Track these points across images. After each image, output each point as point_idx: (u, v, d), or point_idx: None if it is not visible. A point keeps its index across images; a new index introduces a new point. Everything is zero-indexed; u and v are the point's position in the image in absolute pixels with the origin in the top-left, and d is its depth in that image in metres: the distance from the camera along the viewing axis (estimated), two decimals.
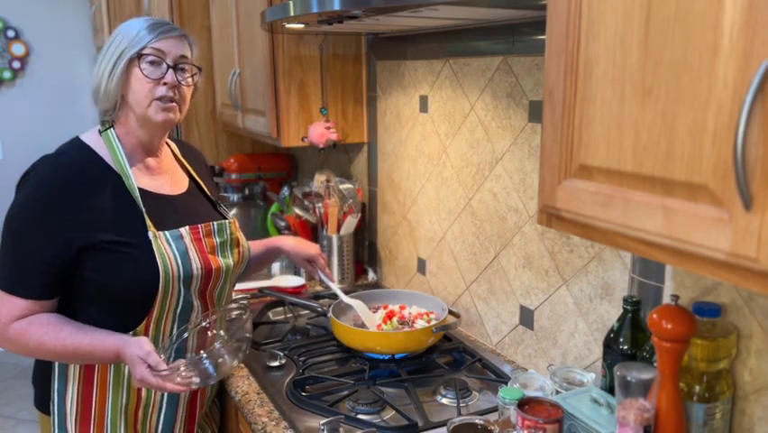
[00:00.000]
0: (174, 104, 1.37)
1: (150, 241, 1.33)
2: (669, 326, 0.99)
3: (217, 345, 1.27)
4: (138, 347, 1.25)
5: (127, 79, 1.34)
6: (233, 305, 1.49)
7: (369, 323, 1.70)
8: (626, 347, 1.19)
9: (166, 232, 1.36)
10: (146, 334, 1.36)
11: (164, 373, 1.23)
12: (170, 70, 1.35)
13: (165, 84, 1.34)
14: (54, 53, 4.24)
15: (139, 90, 1.34)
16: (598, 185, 0.86)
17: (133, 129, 1.39)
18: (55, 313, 1.33)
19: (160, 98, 1.34)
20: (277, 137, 2.14)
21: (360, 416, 1.37)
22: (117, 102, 1.37)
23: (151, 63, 1.34)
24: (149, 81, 1.33)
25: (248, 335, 1.33)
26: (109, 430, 1.41)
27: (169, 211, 1.41)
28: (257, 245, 1.71)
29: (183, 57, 1.38)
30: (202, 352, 1.28)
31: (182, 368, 1.24)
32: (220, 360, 1.28)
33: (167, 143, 1.52)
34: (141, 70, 1.33)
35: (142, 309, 1.35)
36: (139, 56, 1.33)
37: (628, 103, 0.79)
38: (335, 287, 1.76)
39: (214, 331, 1.44)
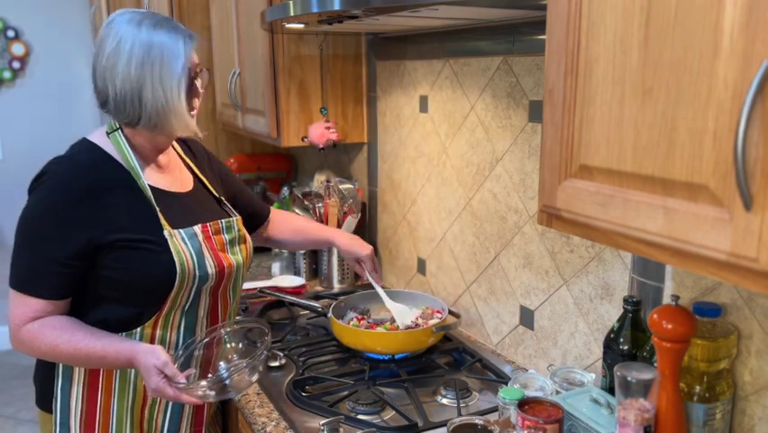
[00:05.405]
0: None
1: (165, 239, 1.32)
2: (669, 326, 0.99)
3: (236, 359, 1.25)
4: (154, 357, 1.24)
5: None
6: (249, 319, 1.47)
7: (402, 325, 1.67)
8: (626, 347, 1.19)
9: (180, 230, 1.36)
10: (155, 327, 1.35)
11: (181, 385, 1.22)
12: (198, 81, 1.36)
13: (200, 96, 1.37)
14: (54, 53, 4.23)
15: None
16: (599, 185, 0.86)
17: (150, 136, 1.36)
18: (67, 316, 1.32)
19: (192, 109, 1.36)
20: (277, 137, 2.14)
21: (360, 416, 1.37)
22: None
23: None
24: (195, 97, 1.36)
25: (266, 353, 1.31)
26: (114, 429, 1.41)
27: (180, 209, 1.40)
28: (309, 228, 1.73)
29: (197, 63, 1.38)
30: (222, 366, 1.26)
31: (203, 382, 1.23)
32: (237, 376, 1.26)
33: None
34: (198, 87, 1.36)
35: (154, 305, 1.34)
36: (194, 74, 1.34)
37: (628, 103, 0.79)
38: (381, 291, 1.74)
39: (229, 343, 1.41)
